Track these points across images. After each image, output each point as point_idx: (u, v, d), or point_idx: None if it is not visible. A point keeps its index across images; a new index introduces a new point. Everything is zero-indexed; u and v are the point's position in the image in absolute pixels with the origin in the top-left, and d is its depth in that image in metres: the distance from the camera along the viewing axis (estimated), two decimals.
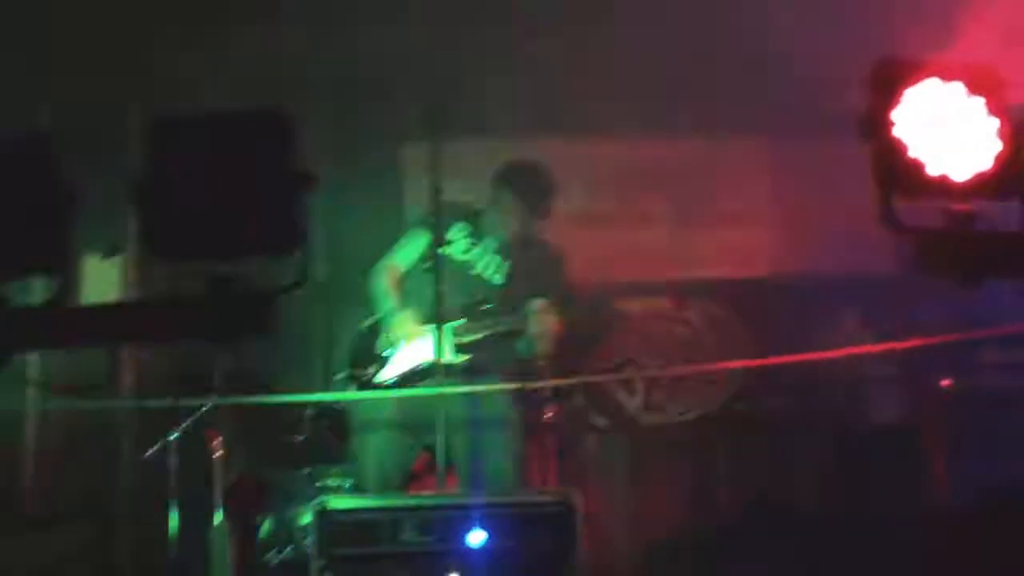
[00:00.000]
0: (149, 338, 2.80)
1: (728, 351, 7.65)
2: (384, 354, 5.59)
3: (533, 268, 5.74)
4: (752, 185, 7.94)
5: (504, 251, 5.74)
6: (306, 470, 6.08)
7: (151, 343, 2.81)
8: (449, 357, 5.40)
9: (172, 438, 5.58)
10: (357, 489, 5.66)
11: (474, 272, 5.68)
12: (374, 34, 7.40)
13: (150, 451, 5.68)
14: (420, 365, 5.52)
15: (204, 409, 5.55)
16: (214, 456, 5.63)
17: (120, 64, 7.09)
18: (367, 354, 5.65)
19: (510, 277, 5.73)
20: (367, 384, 5.57)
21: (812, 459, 7.28)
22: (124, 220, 6.64)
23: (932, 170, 2.90)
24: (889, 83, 2.95)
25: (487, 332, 5.57)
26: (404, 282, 5.73)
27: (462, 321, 5.53)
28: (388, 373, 5.59)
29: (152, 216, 2.74)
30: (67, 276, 2.73)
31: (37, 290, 4.32)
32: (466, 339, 5.54)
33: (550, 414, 6.00)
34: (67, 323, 2.78)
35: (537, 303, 5.54)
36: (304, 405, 5.87)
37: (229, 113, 2.75)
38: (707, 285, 7.80)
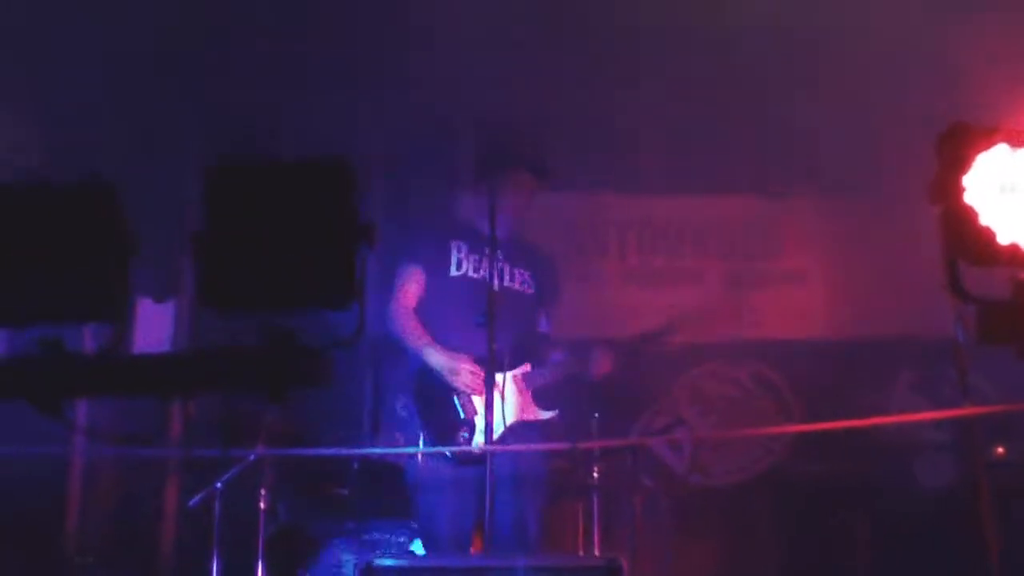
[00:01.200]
0: (201, 389, 2.76)
1: (779, 413, 7.58)
2: (472, 420, 5.49)
3: (539, 271, 5.72)
4: (806, 245, 7.88)
5: (507, 253, 5.67)
6: (351, 524, 6.04)
7: (203, 394, 2.78)
8: (539, 414, 5.40)
9: (217, 487, 5.56)
10: (429, 547, 5.58)
11: (496, 289, 5.46)
12: (430, 84, 7.44)
13: (195, 499, 5.66)
14: (510, 423, 5.45)
15: (250, 459, 5.53)
16: (258, 506, 5.61)
17: (181, 110, 7.16)
18: (443, 414, 5.55)
19: (532, 283, 5.70)
20: (468, 455, 5.44)
21: (860, 524, 7.15)
22: (179, 262, 6.69)
23: (1003, 239, 2.83)
24: (959, 148, 2.89)
25: (553, 376, 5.53)
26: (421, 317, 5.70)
27: (523, 368, 5.49)
28: (481, 438, 5.40)
29: (207, 265, 2.71)
30: (122, 324, 2.70)
31: (90, 336, 4.33)
32: (538, 382, 5.51)
33: (597, 474, 5.94)
34: (120, 372, 2.76)
35: (597, 348, 5.52)
36: (350, 458, 5.82)
37: (289, 162, 2.73)
38: (759, 345, 7.73)
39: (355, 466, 5.80)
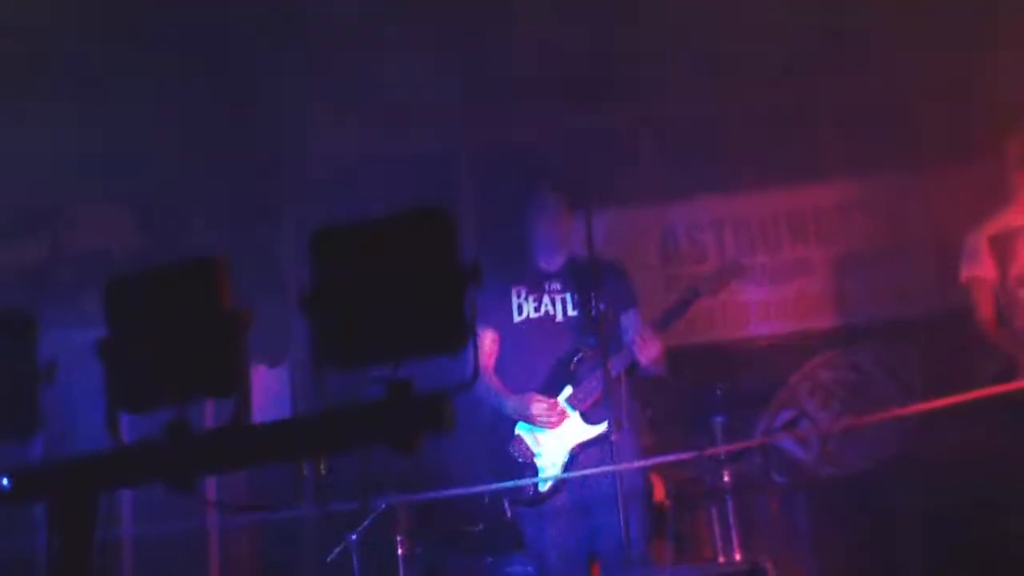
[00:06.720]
0: (327, 450, 2.79)
1: (901, 392, 7.44)
2: (533, 461, 5.59)
3: (605, 286, 5.66)
4: (905, 221, 7.72)
5: (565, 282, 5.68)
6: (488, 559, 6.05)
7: (330, 454, 2.80)
8: (591, 431, 5.44)
9: (352, 539, 5.60)
10: None
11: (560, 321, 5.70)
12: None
13: (332, 554, 5.71)
14: (572, 448, 5.52)
15: (382, 508, 5.57)
16: (396, 553, 5.65)
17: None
18: (513, 468, 5.67)
19: (583, 305, 5.68)
20: (535, 500, 5.58)
21: (1005, 493, 6.97)
22: (287, 325, 6.78)
23: None
24: None
25: (595, 391, 5.51)
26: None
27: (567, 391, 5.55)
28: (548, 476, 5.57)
29: (320, 327, 2.73)
30: (243, 397, 2.73)
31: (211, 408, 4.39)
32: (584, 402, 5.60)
33: (728, 477, 5.88)
34: (247, 443, 2.79)
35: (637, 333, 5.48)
36: (480, 494, 5.84)
37: (387, 214, 2.73)
38: (873, 327, 7.59)
39: (486, 501, 5.82)
